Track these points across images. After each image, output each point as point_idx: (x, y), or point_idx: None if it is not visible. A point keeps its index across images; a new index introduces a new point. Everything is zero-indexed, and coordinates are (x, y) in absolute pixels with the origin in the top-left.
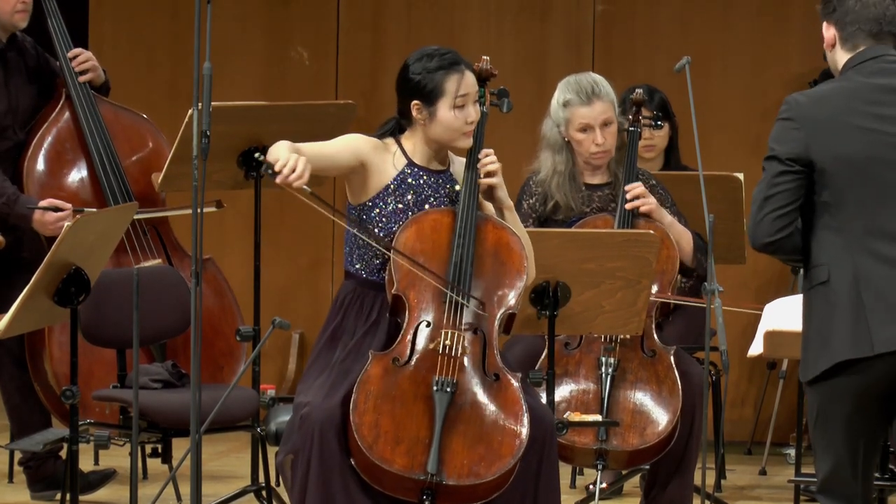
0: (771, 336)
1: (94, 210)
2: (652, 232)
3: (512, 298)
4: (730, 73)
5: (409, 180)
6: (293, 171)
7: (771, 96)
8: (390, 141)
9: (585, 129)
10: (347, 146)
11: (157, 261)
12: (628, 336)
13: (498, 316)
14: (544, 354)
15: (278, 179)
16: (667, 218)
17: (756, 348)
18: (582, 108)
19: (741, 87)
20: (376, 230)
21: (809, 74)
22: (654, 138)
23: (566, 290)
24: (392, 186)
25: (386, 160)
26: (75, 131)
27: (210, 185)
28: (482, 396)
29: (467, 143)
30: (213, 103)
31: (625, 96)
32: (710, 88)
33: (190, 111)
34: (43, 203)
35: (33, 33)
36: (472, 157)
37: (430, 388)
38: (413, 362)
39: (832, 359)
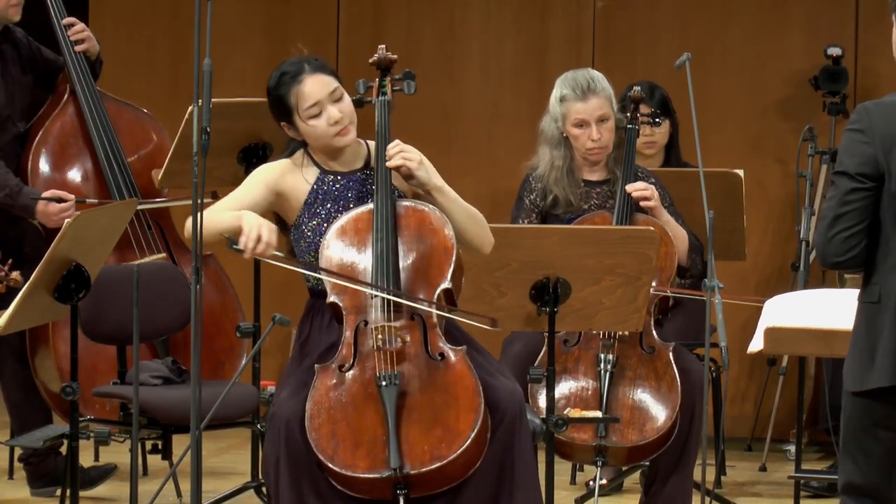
0: (771, 332)
1: (97, 201)
2: (652, 228)
3: (444, 277)
4: (730, 70)
5: (325, 188)
6: (258, 240)
7: (771, 93)
8: (299, 155)
9: (581, 124)
10: (260, 183)
11: (161, 255)
12: (627, 333)
13: (434, 296)
14: (544, 351)
15: (246, 255)
16: (664, 216)
17: (756, 345)
18: (577, 103)
19: (741, 83)
20: (308, 245)
21: (810, 71)
22: (655, 135)
23: (566, 286)
24: (310, 200)
25: (298, 177)
26: (79, 126)
27: (210, 182)
28: (429, 380)
29: (344, 141)
30: (213, 100)
31: (625, 93)
32: (711, 85)
33: (190, 108)
34: (46, 194)
35: (33, 28)
36: (378, 148)
37: (376, 386)
38: (357, 364)
39: (872, 383)
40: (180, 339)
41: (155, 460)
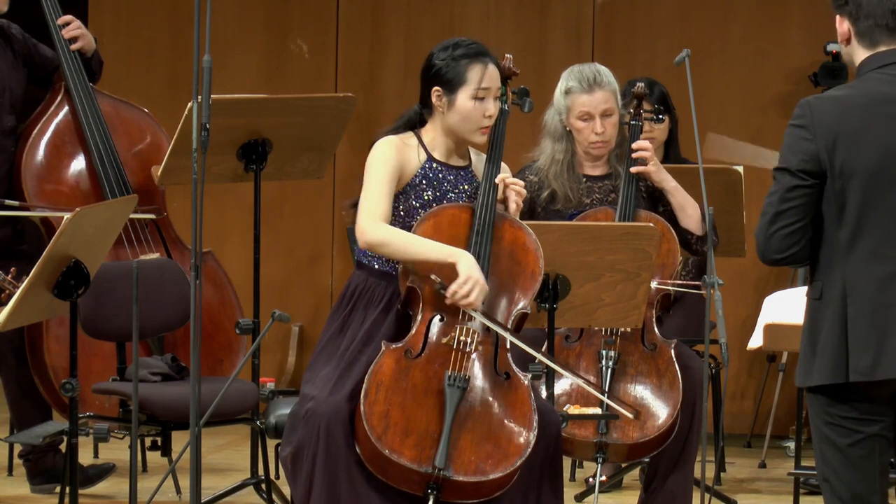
0: (770, 329)
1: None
2: (652, 225)
3: (524, 299)
4: (729, 66)
5: (430, 175)
6: (466, 296)
7: (771, 89)
8: (408, 135)
9: (585, 117)
10: (392, 170)
11: (156, 255)
12: (629, 329)
13: (511, 316)
14: (544, 347)
15: (448, 301)
16: (671, 182)
17: (756, 341)
18: (583, 95)
19: (741, 79)
20: (394, 220)
21: (809, 67)
22: (655, 131)
23: (566, 282)
24: (416, 181)
25: (410, 157)
26: (74, 125)
27: (210, 178)
28: (492, 395)
29: (482, 139)
30: (212, 96)
31: (626, 89)
32: (710, 81)
33: (190, 104)
34: None
35: (29, 26)
36: (492, 152)
37: (442, 383)
38: (425, 355)
39: (814, 380)
40: (179, 336)
41: (154, 457)
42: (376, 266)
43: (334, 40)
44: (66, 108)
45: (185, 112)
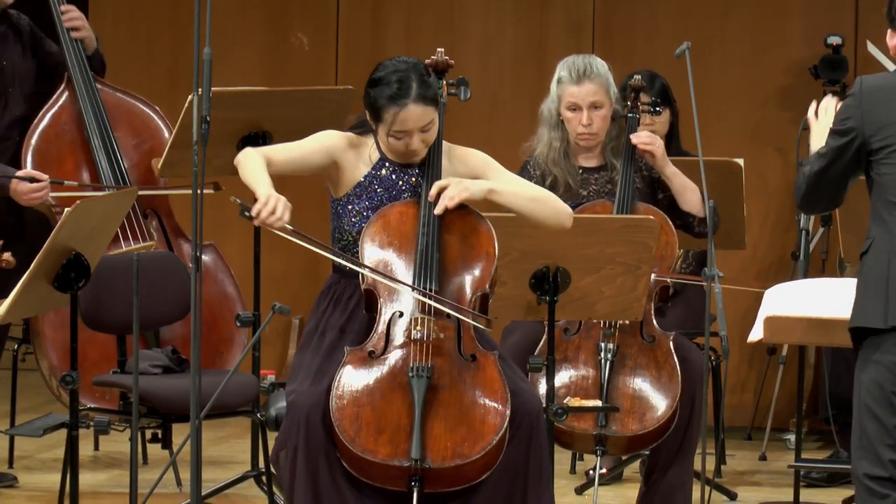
0: (771, 321)
1: (76, 183)
2: (652, 217)
3: (483, 282)
4: (730, 59)
5: (382, 175)
6: (272, 213)
7: (771, 82)
8: (367, 137)
9: (574, 108)
10: (321, 146)
11: (149, 244)
12: (627, 322)
13: (470, 299)
14: (543, 340)
15: (255, 222)
16: (669, 168)
17: (756, 334)
18: (571, 86)
19: (741, 72)
20: (350, 225)
21: (809, 60)
22: (655, 124)
23: (566, 275)
24: (364, 182)
25: (360, 156)
26: (76, 114)
27: (210, 171)
28: (460, 378)
29: (410, 159)
30: (213, 89)
31: (625, 82)
32: (710, 74)
33: (190, 97)
34: (20, 173)
35: (33, 15)
36: (433, 148)
37: (407, 376)
38: (389, 353)
39: (853, 323)
40: (179, 329)
41: (155, 449)
42: (348, 267)
43: (335, 33)
44: (66, 97)
45: (186, 105)
